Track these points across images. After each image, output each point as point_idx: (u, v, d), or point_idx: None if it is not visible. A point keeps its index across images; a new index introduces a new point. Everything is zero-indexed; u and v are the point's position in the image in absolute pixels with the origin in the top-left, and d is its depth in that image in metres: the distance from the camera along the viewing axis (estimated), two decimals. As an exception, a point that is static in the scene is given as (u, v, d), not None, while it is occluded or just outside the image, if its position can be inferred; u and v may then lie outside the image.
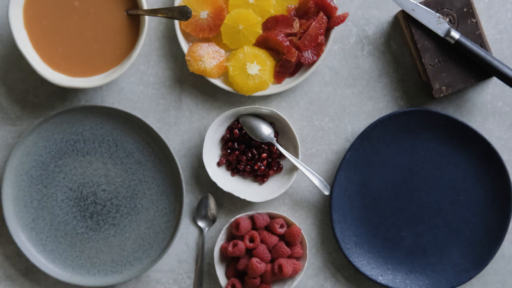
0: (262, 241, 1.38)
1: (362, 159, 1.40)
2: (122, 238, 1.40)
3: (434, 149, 1.40)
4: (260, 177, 1.41)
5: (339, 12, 1.39)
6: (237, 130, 1.39)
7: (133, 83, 1.42)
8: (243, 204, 1.43)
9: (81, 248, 1.40)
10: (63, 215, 1.40)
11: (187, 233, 1.43)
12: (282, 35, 1.36)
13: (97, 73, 1.34)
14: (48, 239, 1.40)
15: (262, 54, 1.37)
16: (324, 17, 1.36)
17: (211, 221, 1.42)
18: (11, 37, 1.40)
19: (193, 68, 1.37)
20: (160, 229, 1.40)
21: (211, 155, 1.40)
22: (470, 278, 1.40)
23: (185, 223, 1.43)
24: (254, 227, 1.40)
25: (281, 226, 1.39)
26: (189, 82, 1.42)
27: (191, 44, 1.38)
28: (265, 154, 1.40)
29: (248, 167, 1.40)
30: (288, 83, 1.39)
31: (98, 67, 1.34)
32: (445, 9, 1.35)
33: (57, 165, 1.39)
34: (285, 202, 1.43)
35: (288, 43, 1.36)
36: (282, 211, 1.43)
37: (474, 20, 1.35)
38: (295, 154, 1.39)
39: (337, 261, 1.43)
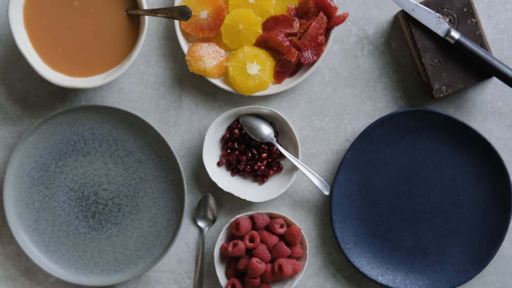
0: (262, 241, 1.38)
1: (362, 159, 1.40)
2: (125, 237, 1.40)
3: (434, 149, 1.40)
4: (260, 177, 1.41)
5: (339, 12, 1.39)
6: (237, 130, 1.39)
7: (133, 83, 1.42)
8: (243, 204, 1.43)
9: (84, 248, 1.40)
10: (65, 215, 1.40)
11: (187, 233, 1.43)
12: (282, 35, 1.36)
13: (97, 73, 1.34)
14: (50, 240, 1.40)
15: (262, 54, 1.37)
16: (324, 17, 1.36)
17: (211, 221, 1.42)
18: (11, 37, 1.40)
19: (193, 68, 1.37)
20: (163, 226, 1.40)
21: (211, 155, 1.40)
22: (470, 278, 1.40)
23: (185, 223, 1.43)
24: (254, 227, 1.40)
25: (281, 226, 1.39)
26: (189, 82, 1.42)
27: (191, 44, 1.38)
28: (265, 154, 1.40)
29: (248, 167, 1.40)
30: (288, 83, 1.38)
31: (98, 67, 1.34)
32: (445, 9, 1.35)
33: (58, 165, 1.39)
34: (285, 202, 1.43)
35: (288, 43, 1.36)
36: (282, 211, 1.43)
37: (474, 20, 1.35)
38: (295, 154, 1.39)
39: (337, 261, 1.43)
